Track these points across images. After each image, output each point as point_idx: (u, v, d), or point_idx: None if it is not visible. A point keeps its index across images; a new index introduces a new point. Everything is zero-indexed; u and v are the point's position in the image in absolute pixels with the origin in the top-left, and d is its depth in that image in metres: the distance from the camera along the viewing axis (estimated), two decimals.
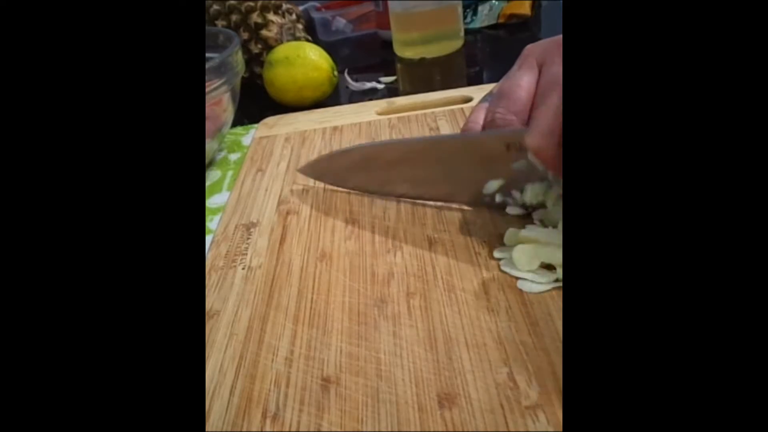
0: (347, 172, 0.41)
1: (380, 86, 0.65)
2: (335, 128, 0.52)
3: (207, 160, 0.51)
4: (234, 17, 0.66)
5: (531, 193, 0.33)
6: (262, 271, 0.34)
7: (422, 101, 0.54)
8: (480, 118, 0.36)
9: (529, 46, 0.38)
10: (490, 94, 0.38)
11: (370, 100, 0.59)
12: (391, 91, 0.64)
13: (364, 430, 0.24)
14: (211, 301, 0.33)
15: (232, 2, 0.66)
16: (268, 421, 0.25)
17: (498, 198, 0.35)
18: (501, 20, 0.79)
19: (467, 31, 0.76)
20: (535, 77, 0.36)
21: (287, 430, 0.24)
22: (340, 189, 0.42)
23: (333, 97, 0.63)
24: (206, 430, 0.25)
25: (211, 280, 0.34)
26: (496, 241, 0.33)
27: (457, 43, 0.72)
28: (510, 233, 0.33)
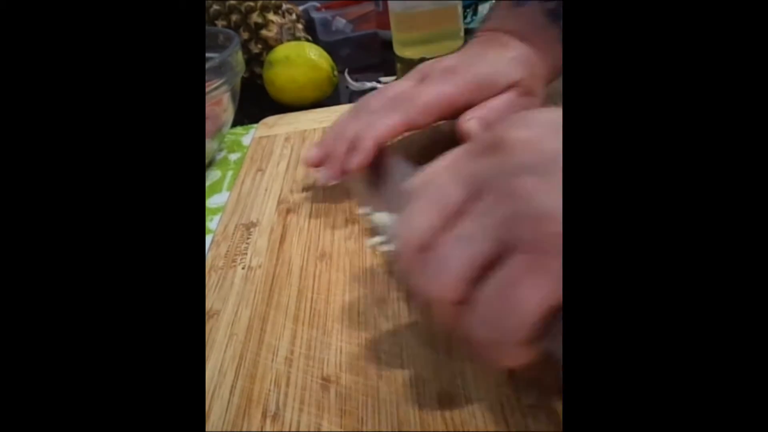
0: None
1: (380, 86, 0.65)
2: None
3: (207, 160, 0.51)
4: (234, 17, 0.67)
5: None
6: (262, 271, 0.34)
7: None
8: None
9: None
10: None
11: None
12: None
13: (364, 429, 0.24)
14: (211, 300, 0.33)
15: (232, 2, 0.66)
16: (268, 421, 0.25)
17: None
18: None
19: (467, 31, 0.76)
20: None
21: (287, 429, 0.24)
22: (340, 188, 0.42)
23: (333, 97, 0.63)
24: (206, 430, 0.25)
25: (211, 280, 0.34)
26: None
27: (457, 43, 0.72)
28: None
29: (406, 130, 0.38)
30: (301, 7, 0.76)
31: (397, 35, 0.73)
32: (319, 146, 0.40)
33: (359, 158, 0.36)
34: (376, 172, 0.38)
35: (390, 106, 0.38)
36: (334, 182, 0.39)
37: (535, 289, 0.18)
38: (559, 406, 0.23)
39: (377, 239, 0.35)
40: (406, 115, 0.37)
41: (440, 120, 0.39)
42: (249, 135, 0.57)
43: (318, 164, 0.40)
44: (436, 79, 0.39)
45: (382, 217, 0.36)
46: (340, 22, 0.84)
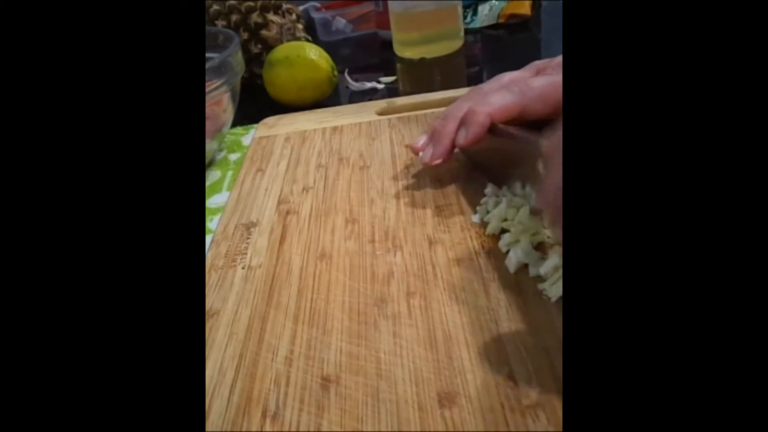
0: None
1: (380, 86, 0.65)
2: (335, 128, 0.52)
3: (207, 160, 0.51)
4: (234, 17, 0.67)
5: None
6: (262, 271, 0.34)
7: (422, 101, 0.54)
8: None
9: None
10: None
11: (370, 100, 0.59)
12: (391, 91, 0.64)
13: (364, 429, 0.24)
14: (211, 300, 0.33)
15: (232, 2, 0.66)
16: (267, 421, 0.25)
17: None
18: (501, 20, 0.79)
19: (467, 31, 0.76)
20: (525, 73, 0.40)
21: (287, 429, 0.24)
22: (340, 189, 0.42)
23: (333, 97, 0.63)
24: (206, 429, 0.25)
25: (211, 279, 0.34)
26: (495, 240, 0.33)
27: (457, 43, 0.72)
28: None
29: (519, 114, 0.36)
30: (301, 7, 0.76)
31: (397, 35, 0.73)
32: (427, 130, 0.40)
33: (473, 131, 0.35)
34: (489, 150, 0.37)
35: (505, 88, 0.37)
36: (438, 162, 0.38)
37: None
38: (559, 406, 0.23)
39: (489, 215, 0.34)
40: (521, 97, 0.36)
41: (553, 115, 0.37)
42: (249, 135, 0.57)
43: (424, 148, 0.39)
44: (555, 72, 0.38)
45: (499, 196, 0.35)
46: (340, 22, 0.84)
